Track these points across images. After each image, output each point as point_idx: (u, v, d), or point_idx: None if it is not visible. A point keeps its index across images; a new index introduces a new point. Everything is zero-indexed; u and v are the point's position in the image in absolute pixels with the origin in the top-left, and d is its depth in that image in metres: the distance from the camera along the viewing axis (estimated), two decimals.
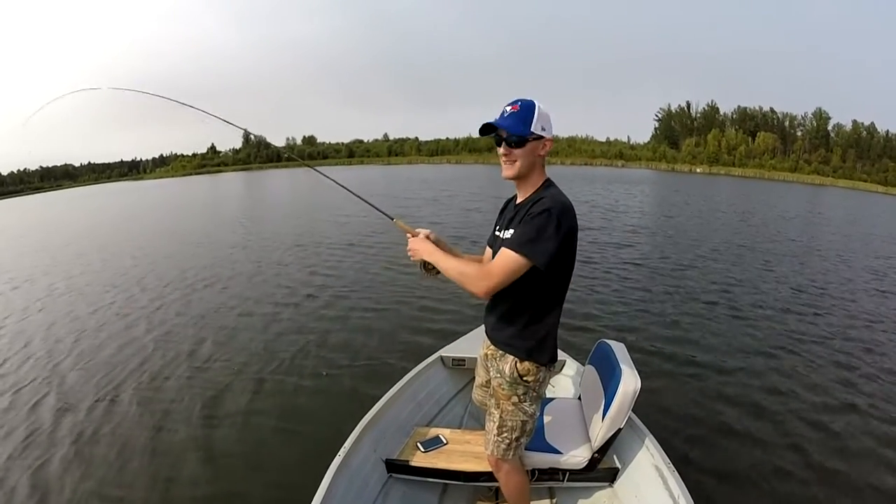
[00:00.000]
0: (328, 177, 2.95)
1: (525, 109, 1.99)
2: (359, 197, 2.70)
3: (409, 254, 2.23)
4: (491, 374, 2.34)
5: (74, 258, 12.48)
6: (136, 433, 4.34)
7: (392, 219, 2.41)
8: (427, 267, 2.24)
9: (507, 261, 1.92)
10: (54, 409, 4.78)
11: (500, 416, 2.29)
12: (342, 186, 2.81)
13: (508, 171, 2.07)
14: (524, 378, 2.19)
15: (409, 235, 2.31)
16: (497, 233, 2.23)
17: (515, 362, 2.19)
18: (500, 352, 2.26)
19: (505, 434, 2.30)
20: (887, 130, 78.06)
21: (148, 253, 12.44)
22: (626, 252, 11.30)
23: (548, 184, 2.08)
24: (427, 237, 2.27)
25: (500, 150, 2.05)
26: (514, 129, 2.01)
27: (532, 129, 1.98)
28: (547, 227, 1.88)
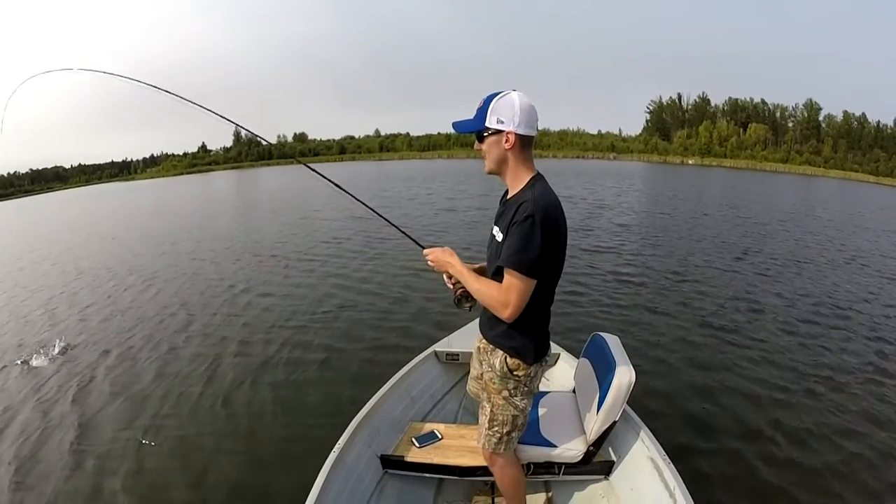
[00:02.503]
0: (337, 185, 2.90)
1: (483, 104, 1.98)
2: (386, 220, 2.87)
3: (429, 264, 2.25)
4: (483, 367, 2.34)
5: (34, 265, 12.38)
6: (118, 435, 4.33)
7: (423, 248, 2.37)
8: (462, 302, 2.26)
9: (512, 283, 1.92)
10: None
11: (491, 410, 2.29)
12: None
13: (485, 165, 2.09)
14: (514, 373, 2.19)
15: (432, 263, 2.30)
16: (493, 227, 2.19)
17: (505, 357, 2.18)
18: (492, 346, 2.25)
19: (496, 428, 2.30)
20: (878, 121, 78.58)
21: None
22: (621, 246, 11.33)
23: (533, 181, 2.03)
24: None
25: (475, 146, 2.08)
26: (464, 128, 2.06)
27: (486, 124, 1.97)
28: (531, 236, 1.87)
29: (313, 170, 3.12)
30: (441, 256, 2.21)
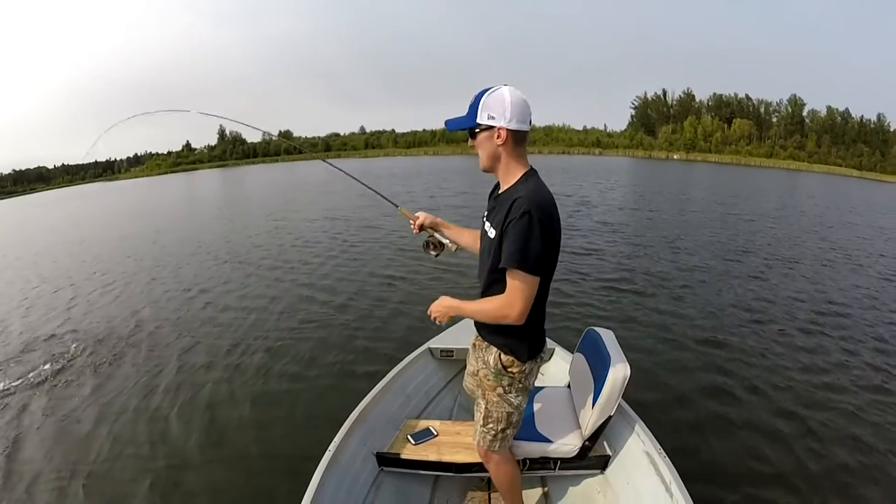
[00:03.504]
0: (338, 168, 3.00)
1: (475, 100, 1.95)
2: (366, 185, 3.12)
3: (433, 318, 2.22)
4: (478, 364, 2.32)
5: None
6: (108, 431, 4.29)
7: (397, 206, 2.56)
8: (428, 247, 2.41)
9: (518, 283, 1.90)
10: None
11: (486, 407, 2.28)
12: (351, 176, 3.20)
13: (479, 162, 2.07)
14: (508, 370, 2.18)
15: (411, 222, 2.45)
16: (484, 218, 2.19)
17: (500, 354, 2.17)
18: (486, 343, 2.24)
19: (491, 425, 2.29)
20: (861, 116, 79.90)
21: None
22: (616, 240, 11.38)
23: (525, 177, 2.01)
24: (423, 222, 2.44)
25: (469, 143, 2.07)
26: (456, 125, 2.04)
27: (477, 121, 1.94)
28: (531, 232, 1.84)
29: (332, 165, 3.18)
30: (443, 305, 2.19)
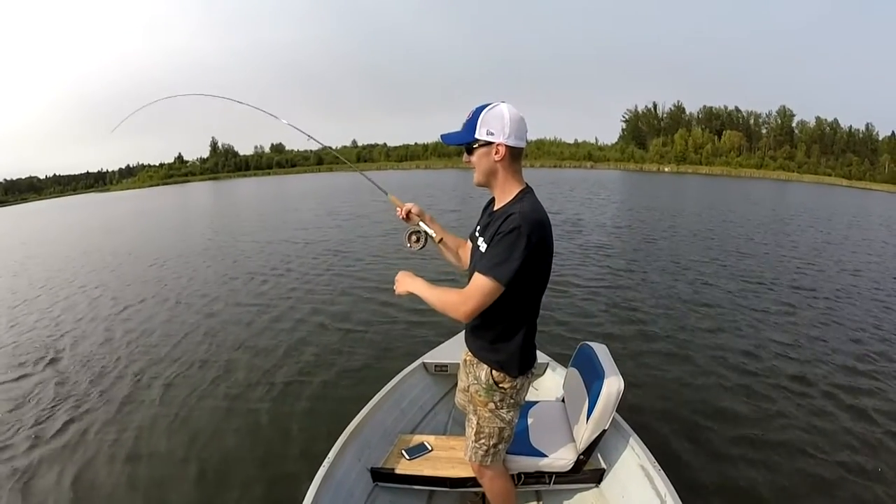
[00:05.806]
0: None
1: (472, 115, 1.96)
2: (363, 174, 3.07)
3: (395, 289, 2.21)
4: (469, 380, 2.32)
5: None
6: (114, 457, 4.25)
7: (387, 194, 2.59)
8: (411, 238, 2.39)
9: (481, 286, 1.89)
10: None
11: (478, 423, 2.28)
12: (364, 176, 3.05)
13: (474, 177, 2.07)
14: (500, 385, 2.18)
15: (398, 209, 2.43)
16: (476, 233, 2.20)
17: (491, 370, 2.17)
18: (477, 359, 2.24)
19: (482, 440, 2.29)
20: (850, 126, 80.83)
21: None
22: (608, 255, 11.35)
23: (521, 195, 2.00)
24: (410, 210, 2.42)
25: (464, 158, 2.06)
26: (454, 140, 2.04)
27: (476, 136, 1.95)
28: (515, 247, 1.84)
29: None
30: (407, 284, 2.16)
